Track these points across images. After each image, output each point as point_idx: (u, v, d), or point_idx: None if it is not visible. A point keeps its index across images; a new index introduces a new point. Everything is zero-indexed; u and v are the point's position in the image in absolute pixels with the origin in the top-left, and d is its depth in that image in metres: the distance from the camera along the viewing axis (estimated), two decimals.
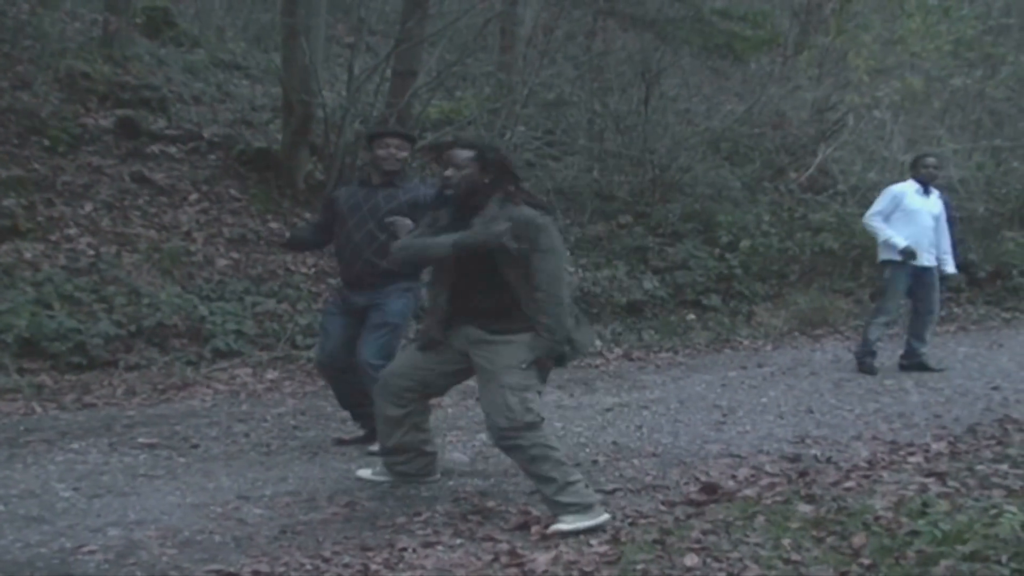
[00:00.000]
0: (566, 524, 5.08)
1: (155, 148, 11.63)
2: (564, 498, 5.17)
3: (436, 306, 5.54)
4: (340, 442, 7.00)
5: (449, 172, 5.36)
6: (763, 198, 15.12)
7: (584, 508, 5.17)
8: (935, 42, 15.65)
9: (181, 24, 15.55)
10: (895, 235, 9.74)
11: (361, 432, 7.01)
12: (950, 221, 10.14)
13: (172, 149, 11.75)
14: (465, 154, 5.37)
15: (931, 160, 10.10)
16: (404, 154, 6.89)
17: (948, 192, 10.54)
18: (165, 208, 10.85)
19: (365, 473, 6.08)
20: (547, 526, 5.13)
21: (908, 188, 9.94)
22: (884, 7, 17.04)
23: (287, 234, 7.00)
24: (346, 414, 7.28)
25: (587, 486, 5.34)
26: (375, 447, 6.32)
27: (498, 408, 5.20)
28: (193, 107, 12.66)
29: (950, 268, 10.13)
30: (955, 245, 10.18)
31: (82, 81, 12.17)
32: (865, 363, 9.92)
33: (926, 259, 9.79)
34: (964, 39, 16.17)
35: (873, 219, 9.94)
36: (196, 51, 14.83)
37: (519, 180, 5.47)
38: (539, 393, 5.34)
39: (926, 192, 9.89)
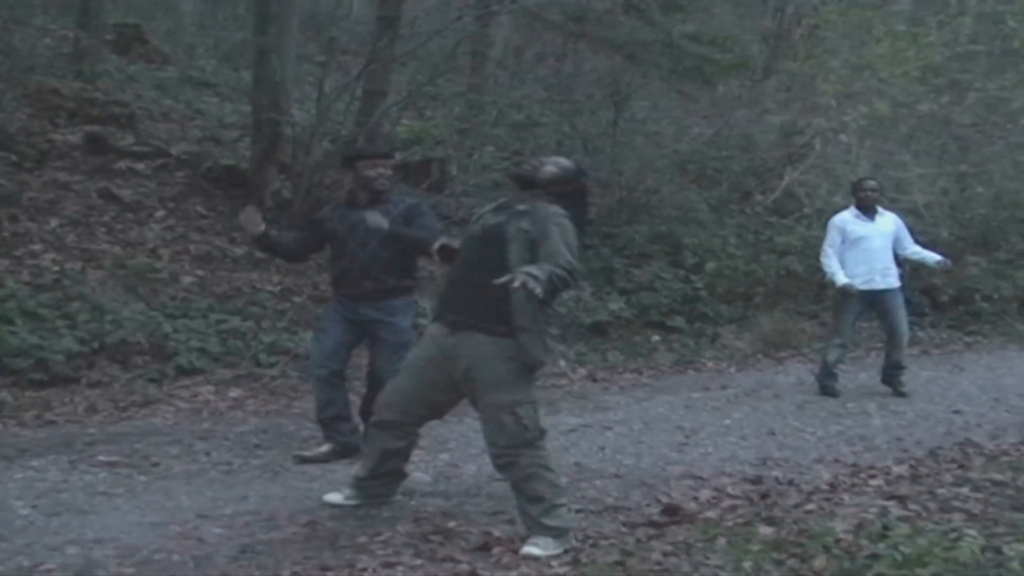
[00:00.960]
0: (538, 549, 5.07)
1: (123, 164, 11.58)
2: (549, 520, 5.17)
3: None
4: (302, 460, 6.97)
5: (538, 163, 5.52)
6: (730, 220, 15.17)
7: (561, 533, 5.18)
8: (903, 68, 15.74)
9: (152, 41, 15.52)
10: (837, 272, 9.87)
11: (325, 448, 7.02)
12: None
13: (140, 166, 11.70)
14: (565, 163, 5.56)
15: (870, 183, 10.21)
16: (391, 173, 7.11)
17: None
18: (131, 225, 10.80)
19: (335, 498, 5.96)
20: (514, 547, 5.13)
21: (847, 216, 10.04)
22: (852, 33, 17.12)
23: (261, 229, 6.95)
24: (308, 432, 7.30)
25: (569, 510, 5.36)
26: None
27: (494, 428, 5.23)
28: (162, 124, 12.63)
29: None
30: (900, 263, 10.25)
31: (51, 97, 12.12)
32: (826, 386, 9.99)
33: (880, 282, 9.86)
34: (931, 65, 16.26)
35: (825, 255, 10.05)
36: (166, 68, 14.82)
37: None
38: (533, 403, 5.31)
39: (869, 216, 9.97)
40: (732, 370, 11.60)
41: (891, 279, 9.91)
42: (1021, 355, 13.22)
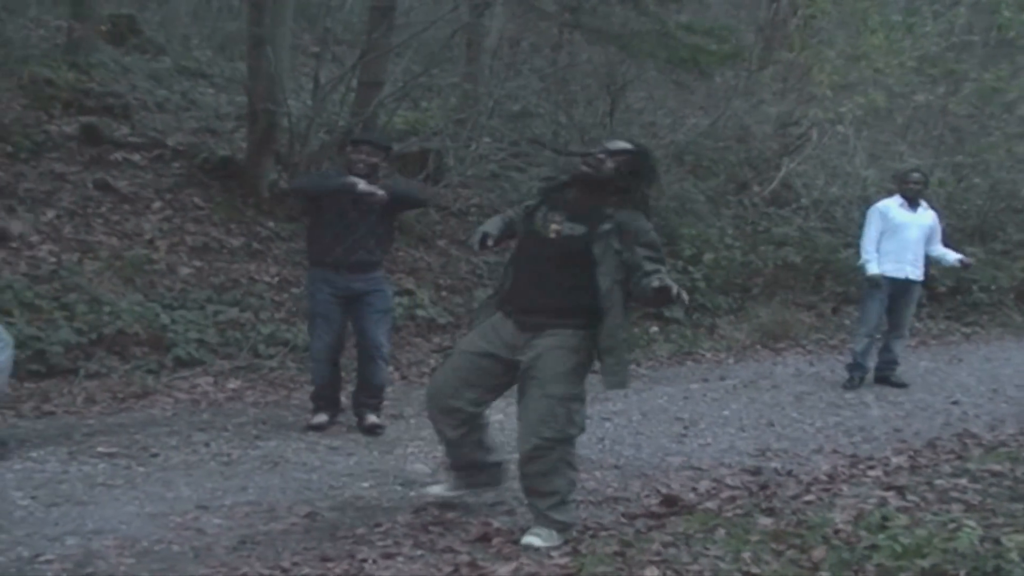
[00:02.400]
0: (540, 540, 5.08)
1: (118, 156, 11.53)
2: (557, 515, 5.18)
3: (496, 297, 5.59)
4: (310, 427, 7.57)
5: (601, 155, 5.37)
6: (727, 211, 15.18)
7: (566, 527, 5.18)
8: (898, 58, 15.75)
9: (146, 32, 15.45)
10: (871, 261, 9.88)
11: (325, 418, 7.71)
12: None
13: (136, 157, 11.66)
14: (622, 145, 5.44)
15: (915, 175, 10.22)
16: (374, 160, 7.48)
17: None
18: (128, 216, 10.76)
19: (436, 490, 5.97)
20: (514, 537, 5.13)
21: (891, 203, 10.03)
22: (848, 23, 17.13)
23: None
24: (307, 422, 7.43)
25: (576, 505, 5.36)
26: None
27: (543, 417, 5.19)
28: (157, 115, 12.57)
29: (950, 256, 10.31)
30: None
31: (46, 88, 12.06)
32: (851, 377, 9.99)
33: (909, 272, 9.86)
34: (927, 56, 16.29)
35: (865, 239, 10.06)
36: (161, 59, 14.74)
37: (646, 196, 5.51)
38: (583, 401, 5.37)
39: (912, 207, 9.96)
40: (730, 361, 11.61)
41: (918, 272, 9.91)
42: (1018, 346, 13.26)
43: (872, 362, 10.08)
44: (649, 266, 5.13)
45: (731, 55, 15.30)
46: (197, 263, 10.53)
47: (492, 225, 5.62)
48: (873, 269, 9.85)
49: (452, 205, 12.96)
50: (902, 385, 9.92)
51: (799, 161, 16.52)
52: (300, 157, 11.64)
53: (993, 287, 15.46)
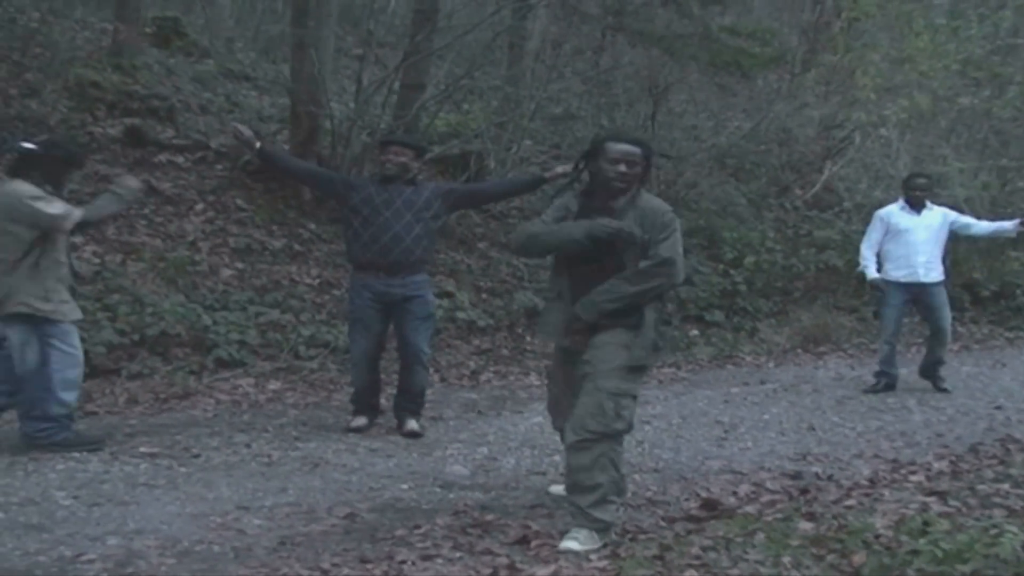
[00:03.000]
0: (578, 544, 5.04)
1: (162, 157, 11.64)
2: (598, 512, 5.15)
3: (559, 301, 5.56)
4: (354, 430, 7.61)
5: (622, 168, 5.37)
6: (768, 215, 15.13)
7: (605, 528, 5.16)
8: (943, 61, 15.61)
9: (191, 34, 15.58)
10: (869, 265, 9.94)
11: (364, 421, 7.76)
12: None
13: (179, 159, 11.76)
14: (636, 151, 5.43)
15: (919, 181, 10.13)
16: (403, 159, 7.53)
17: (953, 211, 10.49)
18: (171, 217, 10.85)
19: (557, 489, 6.02)
20: (553, 540, 5.12)
21: (893, 208, 10.00)
22: (892, 26, 17.00)
23: (256, 144, 7.65)
24: (342, 422, 7.53)
25: (619, 508, 5.36)
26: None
27: (591, 411, 5.18)
28: (201, 117, 12.66)
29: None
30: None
31: (91, 90, 12.18)
32: (877, 382, 9.94)
33: (922, 275, 9.79)
34: (972, 59, 16.13)
35: (863, 245, 10.09)
36: (205, 61, 14.86)
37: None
38: (634, 398, 5.37)
39: (916, 210, 9.89)
40: (771, 365, 11.56)
41: (934, 273, 9.83)
42: None
43: (898, 369, 10.00)
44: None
45: (774, 58, 15.28)
46: (239, 265, 10.59)
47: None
48: (872, 274, 9.91)
49: (493, 208, 12.96)
50: (943, 390, 9.85)
51: (842, 164, 16.43)
52: (342, 159, 11.68)
53: None
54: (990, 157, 17.38)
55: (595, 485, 5.16)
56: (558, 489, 5.96)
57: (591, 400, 5.20)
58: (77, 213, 6.74)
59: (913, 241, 9.76)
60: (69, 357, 6.79)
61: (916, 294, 9.85)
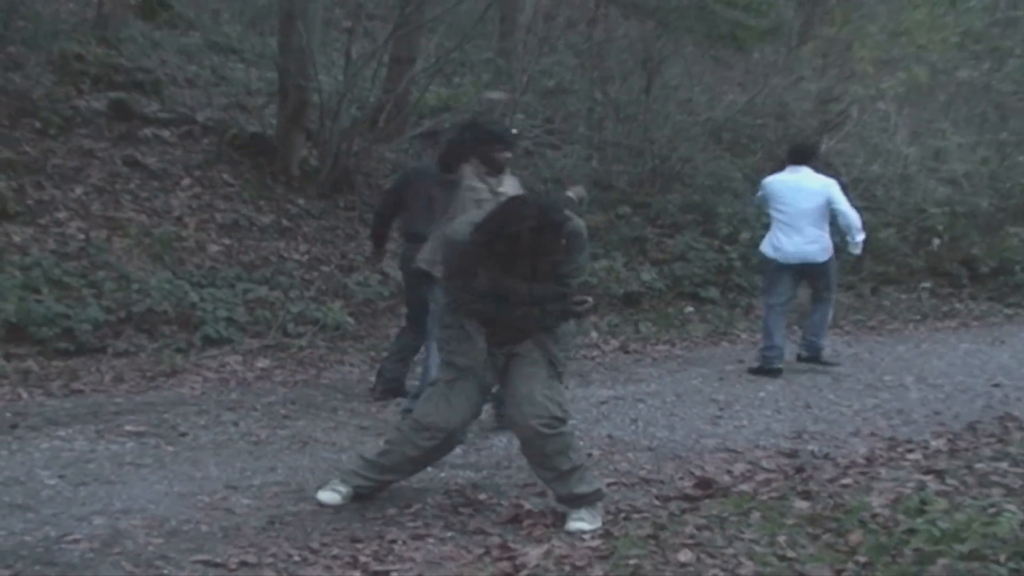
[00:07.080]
0: (587, 524, 5.01)
1: (148, 132, 11.52)
2: (586, 488, 5.12)
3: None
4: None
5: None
6: None
7: (598, 495, 5.15)
8: (941, 34, 15.53)
9: (176, 7, 15.43)
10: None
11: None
12: None
13: (165, 133, 11.65)
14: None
15: None
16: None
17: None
18: (157, 193, 10.75)
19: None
20: (545, 520, 5.10)
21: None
22: None
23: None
24: (337, 403, 7.51)
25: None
26: None
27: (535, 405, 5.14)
28: (187, 91, 12.55)
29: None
30: None
31: (75, 63, 12.05)
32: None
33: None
34: (971, 31, 16.07)
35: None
36: (191, 34, 14.72)
37: None
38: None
39: None
40: None
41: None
42: None
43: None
44: None
45: (770, 30, 15.19)
46: (226, 240, 10.51)
47: None
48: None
49: None
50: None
51: (839, 139, 16.34)
52: (331, 133, 11.58)
53: None
54: (989, 131, 17.34)
55: (575, 466, 5.11)
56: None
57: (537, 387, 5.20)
58: None
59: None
60: None
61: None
